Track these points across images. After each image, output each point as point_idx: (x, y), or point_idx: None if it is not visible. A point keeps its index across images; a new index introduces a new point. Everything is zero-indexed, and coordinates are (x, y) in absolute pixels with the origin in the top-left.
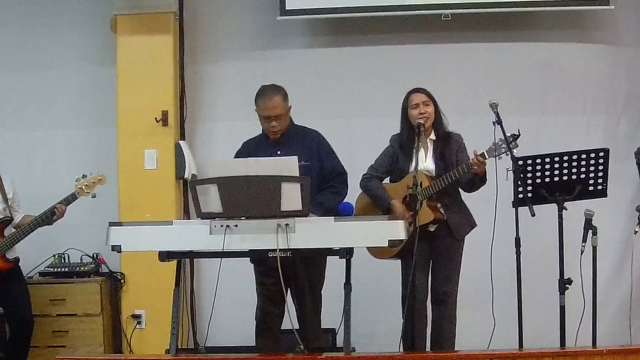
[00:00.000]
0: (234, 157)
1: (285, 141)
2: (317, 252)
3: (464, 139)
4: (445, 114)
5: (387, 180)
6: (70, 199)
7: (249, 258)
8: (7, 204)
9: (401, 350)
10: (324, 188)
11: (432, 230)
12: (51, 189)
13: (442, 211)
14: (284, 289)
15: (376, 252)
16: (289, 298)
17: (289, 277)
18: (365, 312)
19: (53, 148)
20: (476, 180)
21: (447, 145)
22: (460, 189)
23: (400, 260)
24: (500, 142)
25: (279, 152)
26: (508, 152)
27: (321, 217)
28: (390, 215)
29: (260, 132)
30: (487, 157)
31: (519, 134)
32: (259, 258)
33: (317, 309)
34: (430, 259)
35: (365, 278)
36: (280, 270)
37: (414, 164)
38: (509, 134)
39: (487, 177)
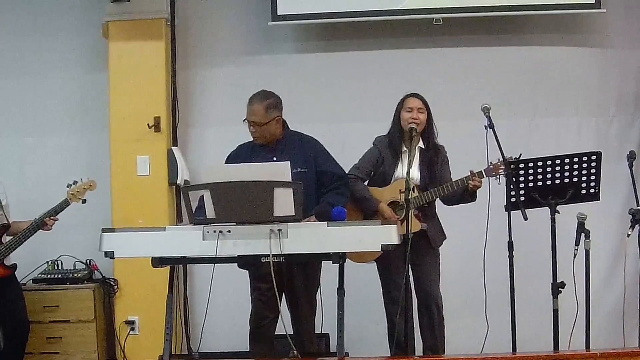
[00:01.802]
0: (226, 159)
1: (280, 148)
2: (310, 257)
3: (457, 143)
4: (437, 117)
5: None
6: (63, 205)
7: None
8: (3, 210)
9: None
10: (327, 191)
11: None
12: (44, 196)
13: (424, 221)
14: (277, 294)
15: (355, 256)
16: (283, 303)
17: (284, 281)
18: (358, 317)
19: (45, 154)
20: (466, 197)
21: (436, 157)
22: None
23: (376, 264)
24: (499, 163)
25: (274, 159)
26: (506, 175)
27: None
28: (376, 218)
29: None
30: (484, 176)
31: (519, 158)
32: (253, 263)
33: (312, 313)
34: (411, 266)
35: (356, 283)
36: (273, 276)
37: (405, 168)
38: (509, 157)
39: (477, 195)
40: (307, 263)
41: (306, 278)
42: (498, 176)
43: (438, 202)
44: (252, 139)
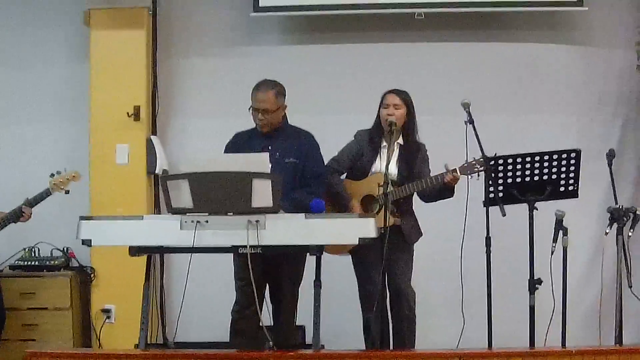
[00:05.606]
0: (225, 148)
1: (277, 137)
2: (287, 249)
3: (439, 138)
4: (419, 112)
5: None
6: (44, 194)
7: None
8: None
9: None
10: (300, 187)
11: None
12: (22, 185)
13: (398, 216)
14: (254, 285)
15: (331, 249)
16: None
17: (269, 271)
18: (334, 310)
19: (24, 143)
20: (444, 192)
21: (414, 154)
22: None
23: (351, 257)
24: (474, 162)
25: (269, 147)
26: (481, 173)
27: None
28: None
29: (254, 126)
30: (459, 174)
31: (496, 156)
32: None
33: (294, 305)
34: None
35: (334, 276)
36: (250, 267)
37: (384, 163)
38: (481, 157)
39: (455, 191)
40: (294, 254)
41: (292, 269)
42: (472, 175)
43: (415, 199)
44: (245, 129)
